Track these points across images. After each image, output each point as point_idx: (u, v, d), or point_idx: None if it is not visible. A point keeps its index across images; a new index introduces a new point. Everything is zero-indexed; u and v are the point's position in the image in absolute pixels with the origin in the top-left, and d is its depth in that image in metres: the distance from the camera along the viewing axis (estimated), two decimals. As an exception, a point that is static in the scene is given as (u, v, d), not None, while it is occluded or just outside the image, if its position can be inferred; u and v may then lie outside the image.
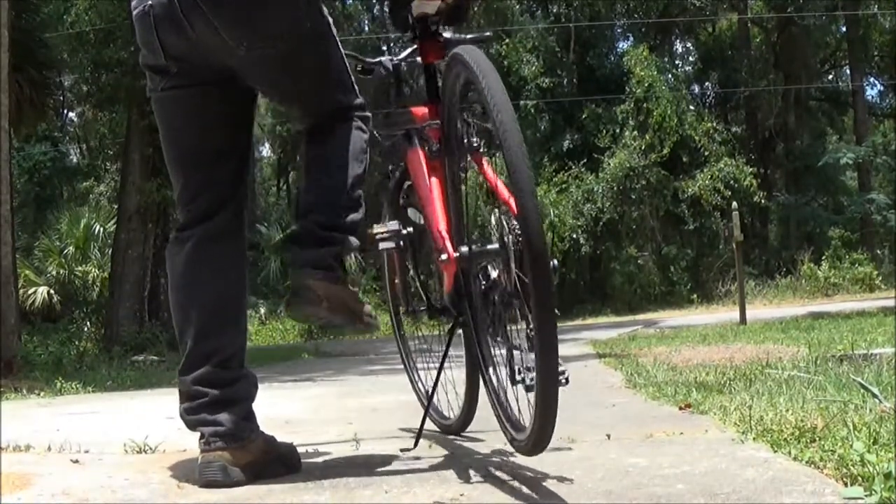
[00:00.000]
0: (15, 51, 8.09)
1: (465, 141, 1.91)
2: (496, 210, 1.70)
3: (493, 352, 1.87)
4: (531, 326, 1.53)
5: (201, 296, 1.96)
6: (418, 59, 2.05)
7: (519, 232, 1.54)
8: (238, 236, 2.06)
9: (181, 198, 2.01)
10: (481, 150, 1.89)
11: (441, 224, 1.92)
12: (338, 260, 1.94)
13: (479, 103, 1.67)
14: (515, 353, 1.69)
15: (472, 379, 2.22)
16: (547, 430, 1.56)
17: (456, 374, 2.27)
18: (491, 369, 1.85)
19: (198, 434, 1.95)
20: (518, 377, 1.64)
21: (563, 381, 1.60)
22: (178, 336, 1.96)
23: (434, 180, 2.01)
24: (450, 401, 2.38)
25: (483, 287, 1.79)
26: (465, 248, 1.81)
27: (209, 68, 1.90)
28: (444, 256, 1.86)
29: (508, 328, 1.74)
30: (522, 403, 1.70)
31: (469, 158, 1.93)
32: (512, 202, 1.58)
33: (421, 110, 2.07)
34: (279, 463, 1.97)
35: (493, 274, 1.76)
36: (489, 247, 1.76)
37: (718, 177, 18.59)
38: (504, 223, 1.66)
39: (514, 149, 1.51)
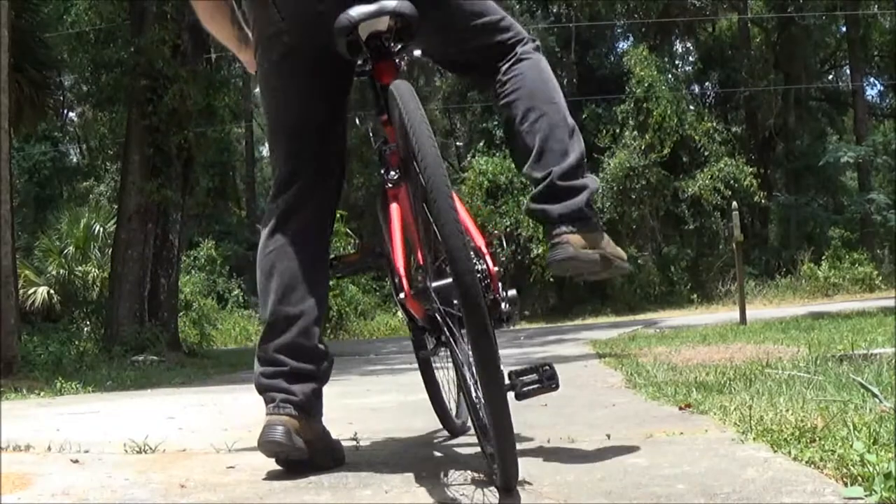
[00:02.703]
0: (15, 51, 8.10)
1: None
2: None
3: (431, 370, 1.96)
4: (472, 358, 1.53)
5: (285, 263, 1.94)
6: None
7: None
8: (327, 210, 2.03)
9: (281, 168, 1.99)
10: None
11: (399, 259, 1.84)
12: (589, 206, 1.89)
13: (407, 145, 1.64)
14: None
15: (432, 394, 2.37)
16: (510, 469, 1.51)
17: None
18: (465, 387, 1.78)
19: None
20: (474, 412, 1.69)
21: (554, 386, 1.69)
22: (260, 302, 1.95)
23: (395, 208, 1.88)
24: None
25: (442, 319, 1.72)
26: (419, 284, 1.77)
27: (326, 30, 1.78)
28: (401, 295, 1.84)
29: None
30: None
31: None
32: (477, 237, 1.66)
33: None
34: (329, 454, 1.98)
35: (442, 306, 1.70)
36: (436, 283, 1.69)
37: (718, 177, 18.58)
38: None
39: (442, 198, 1.50)
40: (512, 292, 1.69)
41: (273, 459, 1.95)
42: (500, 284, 1.68)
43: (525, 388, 1.69)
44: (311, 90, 1.94)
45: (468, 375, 1.66)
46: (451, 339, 1.70)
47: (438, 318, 1.70)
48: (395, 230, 1.86)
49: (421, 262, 1.83)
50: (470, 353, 1.53)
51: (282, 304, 1.91)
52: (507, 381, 1.62)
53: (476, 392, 1.64)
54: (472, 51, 1.98)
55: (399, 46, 1.85)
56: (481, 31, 1.94)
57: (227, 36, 2.21)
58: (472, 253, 1.54)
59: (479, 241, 1.73)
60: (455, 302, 1.62)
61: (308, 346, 1.92)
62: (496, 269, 1.69)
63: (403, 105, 1.63)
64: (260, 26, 1.93)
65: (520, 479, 1.60)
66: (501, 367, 1.51)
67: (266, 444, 1.86)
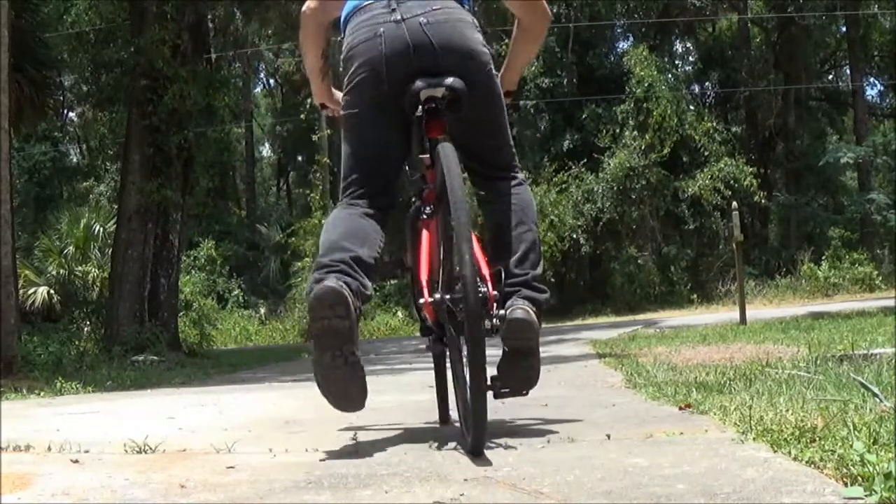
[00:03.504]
0: (15, 51, 8.09)
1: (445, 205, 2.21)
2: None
3: (448, 367, 2.40)
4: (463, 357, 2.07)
5: (350, 221, 2.33)
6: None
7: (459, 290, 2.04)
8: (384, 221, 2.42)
9: (352, 186, 2.41)
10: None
11: (423, 274, 2.32)
12: (543, 303, 2.37)
13: (444, 196, 2.16)
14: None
15: (439, 384, 2.74)
16: (480, 439, 2.01)
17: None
18: (459, 376, 2.25)
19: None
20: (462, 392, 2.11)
21: (525, 392, 2.32)
22: (320, 252, 2.26)
23: (425, 234, 2.37)
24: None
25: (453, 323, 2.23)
26: (437, 295, 2.24)
27: (397, 83, 2.28)
28: (421, 301, 2.29)
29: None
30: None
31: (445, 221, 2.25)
32: (456, 262, 2.06)
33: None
34: (351, 343, 2.16)
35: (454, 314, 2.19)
36: (452, 296, 2.17)
37: (718, 177, 18.58)
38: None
39: (464, 240, 2.02)
40: (501, 312, 2.17)
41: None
42: (494, 304, 2.13)
43: (501, 391, 2.30)
44: (388, 127, 2.39)
45: (461, 368, 2.16)
46: (452, 340, 2.22)
47: (444, 322, 2.22)
48: (423, 251, 2.34)
49: (438, 279, 2.29)
50: (465, 354, 2.01)
51: (343, 240, 2.25)
52: (488, 382, 2.11)
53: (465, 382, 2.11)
54: (485, 148, 2.49)
55: (447, 112, 2.30)
56: (500, 139, 2.49)
57: (314, 60, 2.66)
58: (478, 280, 2.04)
59: (485, 270, 2.15)
60: (458, 312, 2.12)
61: (364, 264, 2.23)
62: (494, 292, 2.13)
63: (447, 166, 2.13)
64: (351, 54, 2.35)
65: (520, 479, 1.64)
66: (487, 369, 2.04)
67: (321, 291, 2.07)
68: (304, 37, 2.63)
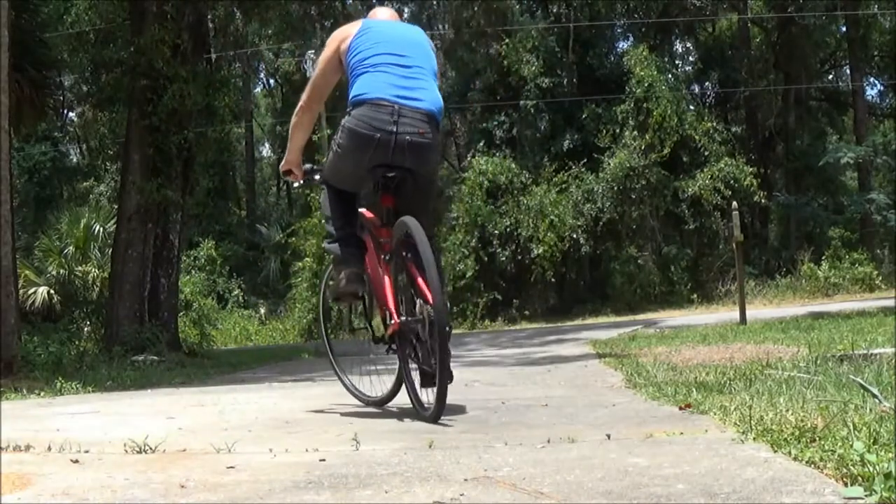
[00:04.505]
0: (15, 51, 8.09)
1: (404, 255, 3.11)
2: (419, 298, 2.99)
3: (409, 365, 3.19)
4: (434, 356, 2.87)
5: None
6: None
7: (432, 313, 2.88)
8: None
9: (336, 223, 3.40)
10: (409, 260, 3.07)
11: (390, 301, 3.19)
12: None
13: (413, 249, 2.98)
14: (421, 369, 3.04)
15: (398, 377, 3.36)
16: (441, 407, 2.84)
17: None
18: (409, 374, 3.21)
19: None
20: (429, 380, 2.92)
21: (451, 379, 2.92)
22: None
23: (385, 276, 3.27)
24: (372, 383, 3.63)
25: (414, 335, 3.08)
26: (403, 318, 3.11)
27: (382, 165, 3.21)
28: (391, 321, 3.18)
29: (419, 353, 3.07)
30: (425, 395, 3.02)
31: (405, 265, 3.11)
32: (428, 295, 2.89)
33: (376, 221, 3.39)
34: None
35: (418, 329, 3.02)
36: (414, 318, 3.04)
37: (718, 177, 18.56)
38: (422, 305, 2.96)
39: (433, 273, 2.87)
40: (450, 326, 2.91)
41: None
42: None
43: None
44: (365, 177, 3.31)
45: (409, 368, 3.19)
46: (413, 349, 3.11)
47: (410, 338, 3.11)
48: (387, 287, 3.24)
49: (396, 305, 3.19)
50: (436, 357, 2.83)
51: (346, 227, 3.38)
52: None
53: (416, 380, 3.07)
54: (414, 203, 3.25)
55: (394, 192, 3.25)
56: (427, 212, 3.33)
57: (302, 142, 3.59)
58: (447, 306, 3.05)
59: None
60: (413, 330, 3.07)
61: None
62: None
63: (419, 238, 2.93)
64: (353, 133, 3.21)
65: (520, 478, 1.62)
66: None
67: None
68: (298, 127, 3.51)
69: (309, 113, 3.51)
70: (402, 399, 3.79)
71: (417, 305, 2.99)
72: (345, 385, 3.79)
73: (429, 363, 2.90)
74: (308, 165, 3.61)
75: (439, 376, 2.79)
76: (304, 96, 3.48)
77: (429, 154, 3.24)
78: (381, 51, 3.27)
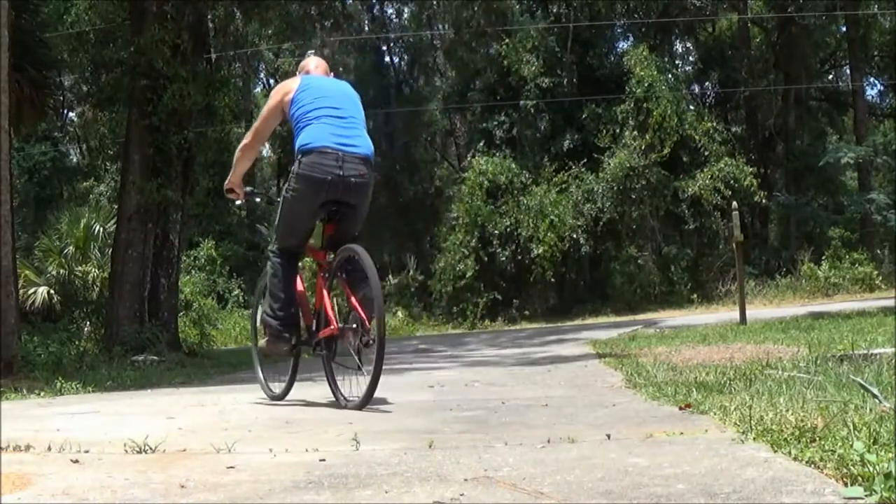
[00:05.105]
0: (15, 51, 8.08)
1: (342, 276, 3.76)
2: (354, 311, 3.59)
3: (331, 364, 3.80)
4: (372, 355, 3.43)
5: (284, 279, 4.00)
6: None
7: (373, 327, 3.46)
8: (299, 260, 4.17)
9: (289, 241, 4.03)
10: (345, 280, 3.72)
11: (330, 311, 3.77)
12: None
13: (359, 269, 3.60)
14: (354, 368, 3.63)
15: (329, 375, 3.86)
16: (371, 397, 3.44)
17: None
18: (332, 371, 3.81)
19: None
20: (363, 369, 3.52)
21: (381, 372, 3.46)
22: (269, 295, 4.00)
23: (325, 291, 3.87)
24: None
25: (355, 337, 3.59)
26: (341, 325, 3.68)
27: (329, 202, 3.86)
28: (332, 326, 3.72)
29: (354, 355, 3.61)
30: (347, 388, 3.66)
31: (343, 285, 3.73)
32: (360, 311, 3.53)
33: (316, 245, 4.09)
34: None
35: (350, 334, 3.60)
36: (349, 325, 3.62)
37: (718, 177, 18.55)
38: (355, 316, 3.59)
39: (377, 293, 3.44)
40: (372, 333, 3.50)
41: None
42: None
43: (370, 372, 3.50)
44: (311, 217, 3.98)
45: (334, 368, 3.79)
46: (329, 347, 3.81)
47: (339, 341, 3.73)
48: (326, 300, 3.82)
49: (334, 314, 3.79)
50: (375, 357, 3.38)
51: (284, 311, 3.96)
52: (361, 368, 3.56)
53: (338, 377, 3.75)
54: (352, 229, 3.98)
55: (338, 222, 3.96)
56: (360, 226, 4.04)
57: (244, 170, 4.32)
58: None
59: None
60: (345, 336, 3.66)
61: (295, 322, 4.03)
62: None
63: (366, 263, 3.52)
64: (302, 194, 3.87)
65: (520, 478, 1.61)
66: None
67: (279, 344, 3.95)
68: (242, 159, 4.22)
69: (252, 150, 4.24)
70: (403, 399, 3.80)
71: (351, 316, 3.61)
72: (259, 380, 4.42)
73: (359, 364, 3.55)
74: (248, 188, 4.36)
75: (373, 375, 3.40)
76: (248, 137, 4.18)
77: (367, 190, 3.89)
78: (321, 104, 3.87)
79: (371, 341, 3.43)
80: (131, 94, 10.69)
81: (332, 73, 4.35)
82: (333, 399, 3.76)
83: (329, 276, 3.85)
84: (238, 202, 4.40)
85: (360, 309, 3.51)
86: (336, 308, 3.78)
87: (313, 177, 3.75)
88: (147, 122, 10.17)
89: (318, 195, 3.78)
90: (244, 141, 4.21)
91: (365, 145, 3.88)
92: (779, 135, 23.14)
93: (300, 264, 4.16)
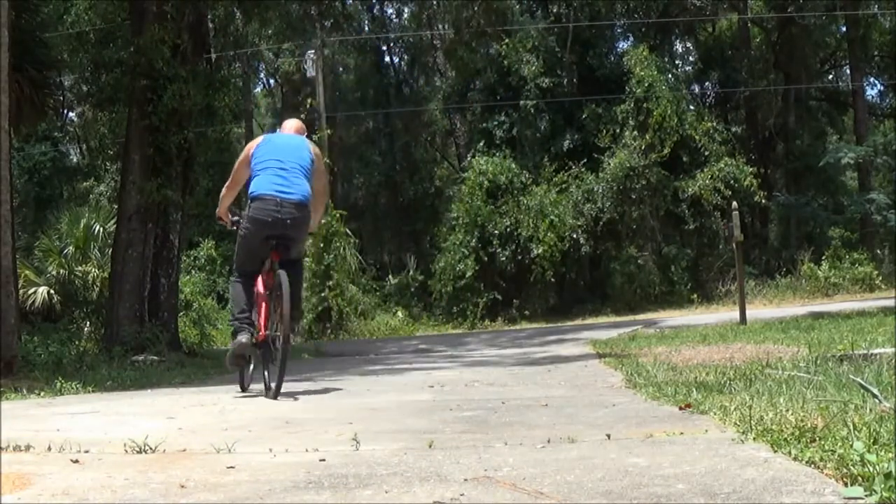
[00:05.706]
0: (15, 51, 8.08)
1: (274, 295, 4.66)
2: (276, 323, 4.60)
3: (267, 361, 4.70)
4: (280, 351, 4.42)
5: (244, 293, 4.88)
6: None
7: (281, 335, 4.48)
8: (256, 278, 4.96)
9: (239, 265, 5.00)
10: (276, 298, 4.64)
11: (262, 320, 4.74)
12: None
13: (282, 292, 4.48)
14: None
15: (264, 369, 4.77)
16: (278, 390, 4.37)
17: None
18: (266, 367, 4.72)
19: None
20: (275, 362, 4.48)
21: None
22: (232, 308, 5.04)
23: (263, 303, 4.79)
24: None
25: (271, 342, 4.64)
26: (268, 332, 4.67)
27: (272, 236, 4.76)
28: (262, 332, 4.71)
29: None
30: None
31: (274, 301, 4.69)
32: (277, 323, 4.57)
33: (266, 268, 4.89)
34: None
35: (273, 340, 4.61)
36: (273, 332, 4.62)
37: (718, 177, 18.55)
38: (279, 327, 4.53)
39: (286, 312, 4.41)
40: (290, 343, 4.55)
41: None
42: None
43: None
44: (260, 247, 4.84)
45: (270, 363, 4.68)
46: (268, 350, 4.69)
47: (267, 343, 4.68)
48: (263, 310, 4.77)
49: (266, 323, 4.74)
50: (280, 359, 4.39)
51: (243, 313, 4.81)
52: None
53: (270, 367, 4.66)
54: (292, 254, 4.90)
55: (281, 249, 4.84)
56: (298, 251, 5.02)
57: (229, 203, 5.27)
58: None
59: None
60: (272, 340, 4.66)
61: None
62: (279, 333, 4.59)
63: (284, 283, 4.45)
64: (250, 231, 4.84)
65: (520, 478, 1.61)
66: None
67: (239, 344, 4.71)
68: (225, 196, 5.20)
69: (232, 191, 5.19)
70: (406, 399, 3.80)
71: (276, 327, 4.56)
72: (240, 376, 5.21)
73: (276, 361, 4.48)
74: (234, 218, 5.16)
75: (280, 371, 4.33)
76: (228, 182, 5.16)
77: (302, 226, 4.84)
78: (269, 157, 4.85)
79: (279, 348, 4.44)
80: (131, 94, 10.68)
81: (305, 131, 5.29)
82: (263, 389, 4.65)
83: (270, 294, 4.80)
84: (228, 227, 5.33)
85: (278, 322, 4.53)
86: (272, 319, 4.70)
87: (258, 218, 4.74)
88: (147, 122, 10.16)
89: (263, 231, 4.74)
90: (226, 184, 5.22)
91: (300, 192, 4.77)
92: (779, 135, 23.15)
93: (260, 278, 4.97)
